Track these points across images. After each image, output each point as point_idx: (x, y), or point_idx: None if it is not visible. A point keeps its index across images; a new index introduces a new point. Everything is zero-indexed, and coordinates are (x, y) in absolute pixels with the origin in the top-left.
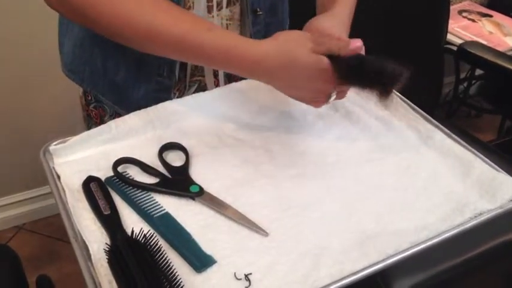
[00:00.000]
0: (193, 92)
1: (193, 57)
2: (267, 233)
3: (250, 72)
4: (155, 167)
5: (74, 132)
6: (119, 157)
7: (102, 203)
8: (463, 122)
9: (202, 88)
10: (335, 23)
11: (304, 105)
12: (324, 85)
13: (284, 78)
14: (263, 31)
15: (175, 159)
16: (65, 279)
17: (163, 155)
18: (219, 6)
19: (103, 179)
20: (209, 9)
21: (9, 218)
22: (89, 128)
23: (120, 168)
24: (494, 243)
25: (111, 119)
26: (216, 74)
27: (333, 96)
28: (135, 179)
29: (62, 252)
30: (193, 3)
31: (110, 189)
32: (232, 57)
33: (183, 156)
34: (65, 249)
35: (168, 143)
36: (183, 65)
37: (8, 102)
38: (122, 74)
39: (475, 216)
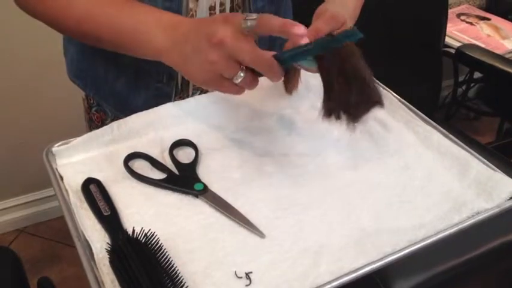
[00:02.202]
0: None
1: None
2: (264, 234)
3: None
4: (164, 163)
5: (77, 135)
6: (121, 158)
7: (102, 204)
8: (462, 124)
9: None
10: (338, 9)
11: (304, 107)
12: (224, 29)
13: (191, 33)
14: (267, 37)
15: (186, 156)
16: (66, 282)
17: (174, 152)
18: (222, 7)
19: (105, 180)
20: (211, 8)
21: (10, 221)
22: (91, 130)
23: (129, 163)
24: (494, 244)
25: None
26: None
27: (241, 73)
28: (143, 173)
29: (63, 255)
30: (195, 11)
31: (109, 190)
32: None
33: (193, 154)
34: (66, 252)
35: (179, 140)
36: None
37: (10, 105)
38: (122, 81)
39: (472, 216)
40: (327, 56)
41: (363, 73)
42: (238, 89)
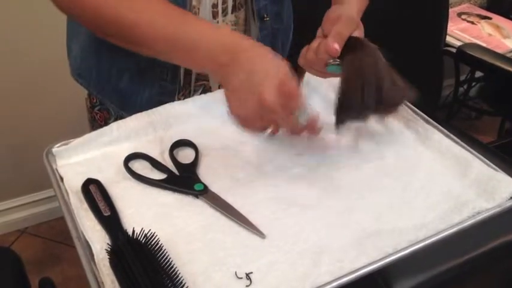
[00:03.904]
0: None
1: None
2: (264, 235)
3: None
4: (164, 163)
5: (78, 135)
6: (121, 158)
7: (102, 205)
8: (463, 123)
9: (207, 91)
10: (342, 12)
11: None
12: (276, 99)
13: (241, 64)
14: (270, 35)
15: (186, 156)
16: (67, 282)
17: (174, 152)
18: (224, 12)
19: (105, 180)
20: (214, 15)
21: (12, 222)
22: (93, 130)
23: (130, 164)
24: (495, 244)
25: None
26: None
27: (270, 129)
28: (143, 174)
29: (64, 256)
30: (198, 9)
31: (109, 191)
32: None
33: (193, 155)
34: (67, 253)
35: (179, 140)
36: (188, 70)
37: (12, 105)
38: (126, 80)
39: (473, 215)
40: (352, 63)
41: (382, 78)
42: (260, 132)
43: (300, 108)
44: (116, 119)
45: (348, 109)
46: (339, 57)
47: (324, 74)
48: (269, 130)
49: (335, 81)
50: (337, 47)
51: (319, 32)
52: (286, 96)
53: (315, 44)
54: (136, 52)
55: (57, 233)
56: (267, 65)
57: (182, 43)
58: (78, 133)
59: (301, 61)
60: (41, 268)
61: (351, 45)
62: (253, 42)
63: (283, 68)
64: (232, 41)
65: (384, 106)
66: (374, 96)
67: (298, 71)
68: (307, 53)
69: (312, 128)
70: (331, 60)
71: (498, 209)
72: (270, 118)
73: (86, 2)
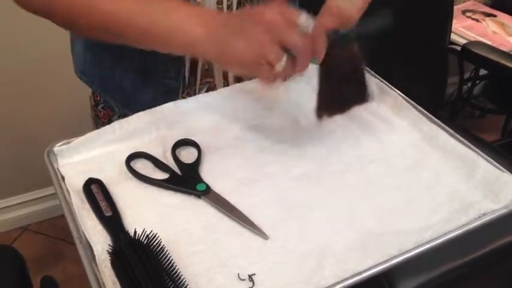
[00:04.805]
0: None
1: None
2: (267, 236)
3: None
4: (167, 163)
5: (80, 134)
6: (123, 158)
7: (103, 205)
8: (467, 122)
9: (212, 90)
10: (347, 5)
11: (307, 106)
12: (276, 15)
13: (229, 21)
14: None
15: (189, 156)
16: (69, 280)
17: (176, 151)
18: (230, 8)
19: (107, 180)
20: (218, 3)
21: (14, 219)
22: (96, 128)
23: (132, 163)
24: (499, 244)
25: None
26: (225, 76)
27: (284, 57)
28: (145, 173)
29: (66, 253)
30: (203, 5)
31: (110, 191)
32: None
33: (195, 154)
34: (70, 250)
35: (181, 140)
36: (193, 69)
37: (14, 103)
38: (129, 78)
39: (479, 217)
40: (330, 54)
41: (358, 72)
42: (274, 77)
43: (301, 18)
44: (119, 117)
45: (324, 106)
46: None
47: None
48: (283, 62)
49: None
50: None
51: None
52: (283, 11)
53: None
54: (109, 42)
55: (59, 231)
56: (252, 8)
57: (155, 25)
58: (84, 130)
59: None
60: (43, 266)
61: (329, 39)
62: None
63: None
64: (201, 10)
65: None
66: (347, 94)
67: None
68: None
69: (319, 35)
70: None
71: (504, 210)
72: (281, 39)
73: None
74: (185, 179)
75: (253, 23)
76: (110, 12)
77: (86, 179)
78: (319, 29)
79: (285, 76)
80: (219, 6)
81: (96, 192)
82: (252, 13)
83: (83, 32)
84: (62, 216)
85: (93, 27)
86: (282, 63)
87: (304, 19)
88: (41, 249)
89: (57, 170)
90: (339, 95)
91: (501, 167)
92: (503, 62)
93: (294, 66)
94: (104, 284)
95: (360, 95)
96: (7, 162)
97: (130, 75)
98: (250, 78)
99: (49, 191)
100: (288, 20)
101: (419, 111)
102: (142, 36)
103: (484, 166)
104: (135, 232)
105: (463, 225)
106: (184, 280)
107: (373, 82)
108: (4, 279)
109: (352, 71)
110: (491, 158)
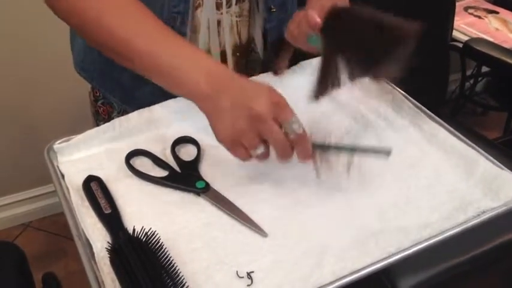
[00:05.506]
0: None
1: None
2: (266, 233)
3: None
4: (166, 160)
5: (81, 131)
6: (123, 155)
7: (102, 202)
8: (469, 119)
9: None
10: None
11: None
12: (266, 109)
13: (231, 89)
14: (277, 27)
15: (188, 153)
16: (71, 277)
17: (176, 149)
18: (229, 3)
19: (107, 177)
20: (218, 6)
21: (16, 216)
22: (97, 124)
23: (131, 161)
24: (499, 242)
25: (119, 116)
26: None
27: (261, 148)
28: (144, 171)
29: (68, 250)
30: (202, 0)
31: (110, 188)
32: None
33: (195, 151)
34: (71, 247)
35: (181, 137)
36: None
37: (15, 101)
38: (128, 74)
39: (478, 215)
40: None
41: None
42: (248, 158)
43: (291, 119)
44: (119, 113)
45: (323, 86)
46: (321, 30)
47: (307, 48)
48: (259, 151)
49: None
50: (317, 19)
51: (306, 6)
52: (277, 106)
53: (297, 16)
54: (122, 64)
55: (61, 227)
56: (255, 85)
57: (163, 64)
58: (84, 127)
59: (287, 36)
60: (45, 262)
61: (331, 15)
62: (231, 71)
63: (270, 86)
64: (209, 64)
65: (374, 74)
66: (356, 68)
67: (285, 48)
68: (290, 26)
69: (303, 140)
70: (312, 33)
71: (504, 208)
72: (261, 133)
73: (87, 12)
74: (184, 176)
75: (244, 107)
76: (122, 38)
77: (86, 176)
78: (305, 137)
79: (263, 159)
80: (218, 0)
81: (95, 189)
82: (251, 95)
83: (94, 46)
84: (64, 213)
85: (103, 45)
86: (257, 151)
87: (294, 123)
88: (42, 246)
89: (56, 168)
90: (337, 79)
91: (501, 165)
92: (505, 59)
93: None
94: (103, 281)
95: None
96: (8, 160)
97: (129, 71)
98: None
99: (50, 188)
100: (276, 116)
101: (419, 109)
102: (149, 71)
103: (484, 164)
104: (134, 230)
105: (462, 223)
106: (182, 277)
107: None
108: (6, 276)
109: (358, 46)
110: (493, 155)
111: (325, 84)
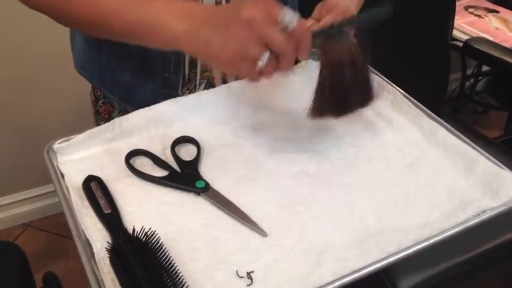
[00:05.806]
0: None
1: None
2: (266, 233)
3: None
4: (166, 160)
5: (81, 131)
6: (123, 155)
7: (102, 202)
8: (470, 118)
9: (211, 85)
10: (346, 2)
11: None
12: (256, 11)
13: (211, 16)
14: None
15: (188, 153)
16: (72, 277)
17: (176, 149)
18: (228, 2)
19: (106, 177)
20: (217, 3)
21: (17, 216)
22: (97, 124)
23: (131, 160)
24: (499, 241)
25: (119, 115)
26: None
27: (266, 54)
28: (144, 171)
29: (68, 250)
30: (202, 0)
31: (110, 188)
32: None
33: (195, 151)
34: (72, 247)
35: (181, 137)
36: (193, 63)
37: (15, 101)
38: (129, 72)
39: (478, 214)
40: (328, 52)
41: (360, 74)
42: (257, 75)
43: (282, 12)
44: (119, 113)
45: (318, 106)
46: (319, 46)
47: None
48: (265, 59)
49: None
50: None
51: (313, 13)
52: (264, 6)
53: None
54: (93, 34)
55: (61, 227)
56: (231, 3)
57: (138, 18)
58: (81, 128)
59: None
60: (46, 262)
61: (331, 35)
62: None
63: None
64: (183, 6)
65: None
66: (346, 99)
67: None
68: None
69: (302, 28)
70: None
71: (504, 208)
72: (259, 36)
73: None
74: (184, 176)
75: (234, 18)
76: (91, 2)
77: (86, 176)
78: (304, 25)
79: (270, 73)
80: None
81: (95, 189)
82: (235, 8)
83: (69, 25)
84: (64, 213)
85: (76, 18)
86: (264, 59)
87: (287, 15)
88: (43, 246)
89: (56, 168)
90: (340, 95)
91: (501, 164)
92: (505, 58)
93: (279, 64)
94: (102, 281)
95: (363, 96)
96: (8, 160)
97: (129, 70)
98: (237, 79)
99: (51, 188)
100: (268, 16)
101: (419, 108)
102: (125, 29)
103: (483, 163)
104: (134, 230)
105: (462, 223)
106: (182, 277)
107: (373, 79)
108: (6, 276)
109: (353, 69)
110: (493, 154)
111: (319, 104)
